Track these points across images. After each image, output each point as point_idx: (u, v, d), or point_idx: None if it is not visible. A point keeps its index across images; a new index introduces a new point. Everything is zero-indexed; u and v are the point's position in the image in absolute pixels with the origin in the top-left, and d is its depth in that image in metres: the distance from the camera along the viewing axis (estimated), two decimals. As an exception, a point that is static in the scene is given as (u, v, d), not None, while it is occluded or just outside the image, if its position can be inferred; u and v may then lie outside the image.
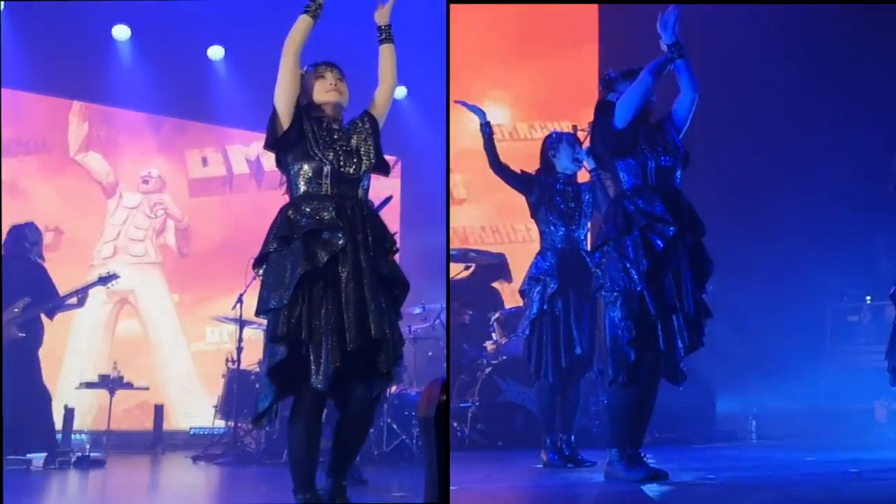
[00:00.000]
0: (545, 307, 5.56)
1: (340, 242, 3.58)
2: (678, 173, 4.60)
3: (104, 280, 7.24)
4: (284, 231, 3.61)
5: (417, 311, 7.91)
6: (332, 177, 3.70)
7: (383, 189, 11.06)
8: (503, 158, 5.80)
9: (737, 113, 8.97)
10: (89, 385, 8.02)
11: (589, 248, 5.89)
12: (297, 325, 3.51)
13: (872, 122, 8.76)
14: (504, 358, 7.14)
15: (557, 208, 5.69)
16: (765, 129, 9.22)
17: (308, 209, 3.64)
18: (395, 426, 6.78)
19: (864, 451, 6.29)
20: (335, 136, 3.78)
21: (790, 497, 4.19)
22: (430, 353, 7.97)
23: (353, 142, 3.81)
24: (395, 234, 7.06)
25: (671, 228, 4.39)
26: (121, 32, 9.05)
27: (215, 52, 9.49)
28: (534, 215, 5.80)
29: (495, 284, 8.13)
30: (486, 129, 5.83)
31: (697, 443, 7.46)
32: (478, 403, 7.01)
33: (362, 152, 3.80)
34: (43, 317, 6.95)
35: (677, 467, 5.12)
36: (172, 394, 9.21)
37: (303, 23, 3.84)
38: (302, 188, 3.72)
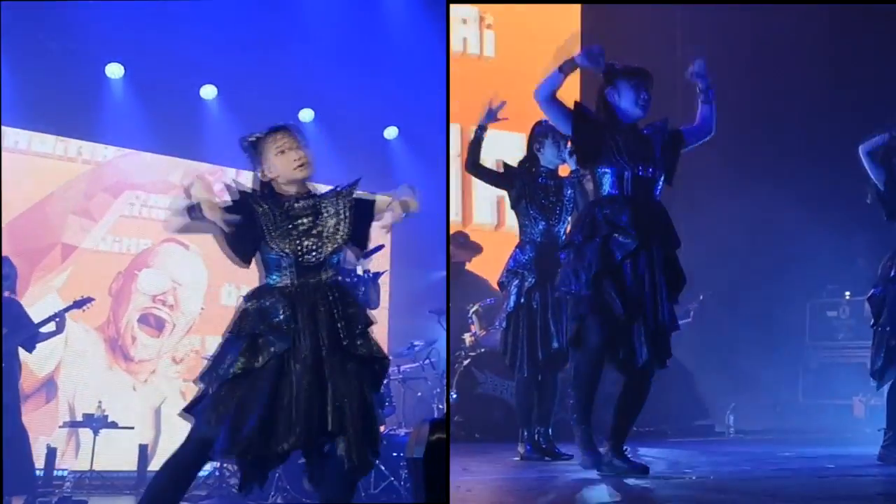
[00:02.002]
0: (522, 300, 5.52)
1: (272, 351, 3.43)
2: (659, 185, 4.54)
3: (79, 303, 7.08)
4: (236, 328, 3.51)
5: (407, 350, 7.86)
6: (292, 266, 3.56)
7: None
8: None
9: (717, 109, 8.93)
10: (73, 424, 7.83)
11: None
12: (223, 415, 3.41)
13: (851, 121, 8.78)
14: (482, 350, 7.10)
15: (538, 202, 5.64)
16: (745, 127, 9.21)
17: (267, 303, 3.52)
18: (383, 467, 6.64)
19: (842, 447, 6.29)
20: (297, 220, 3.59)
21: (767, 492, 4.17)
22: (419, 394, 7.88)
23: (320, 221, 3.62)
24: (385, 272, 6.95)
25: (631, 242, 4.35)
26: (114, 71, 9.01)
27: (208, 92, 9.44)
28: (514, 207, 5.74)
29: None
30: (480, 132, 5.74)
31: (676, 437, 7.45)
32: (455, 396, 6.97)
33: (326, 235, 3.61)
34: (22, 352, 6.80)
35: (655, 461, 5.10)
36: (157, 434, 8.92)
37: (194, 227, 3.55)
38: (265, 276, 3.61)
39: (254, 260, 3.65)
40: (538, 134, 5.74)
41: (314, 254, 3.58)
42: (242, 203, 3.57)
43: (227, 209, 3.50)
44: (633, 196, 4.45)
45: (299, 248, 3.56)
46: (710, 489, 4.24)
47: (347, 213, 3.66)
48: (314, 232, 3.59)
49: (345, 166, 9.69)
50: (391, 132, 10.51)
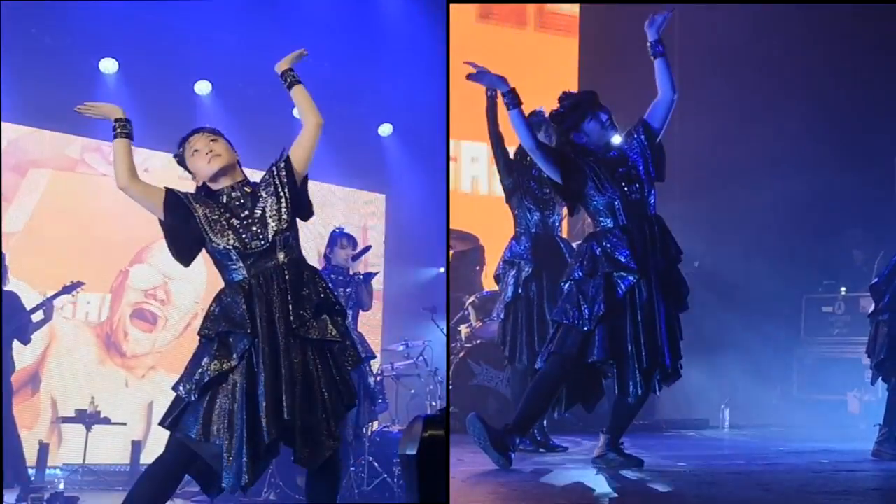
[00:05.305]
0: (520, 291, 5.52)
1: (241, 347, 3.42)
2: (651, 199, 4.56)
3: (68, 289, 6.99)
4: (205, 328, 3.50)
5: (400, 348, 7.85)
6: (242, 258, 3.53)
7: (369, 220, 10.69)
8: None
9: (714, 108, 8.93)
10: (65, 420, 7.78)
11: (563, 234, 5.87)
12: (206, 421, 3.39)
13: (849, 119, 8.81)
14: (478, 341, 7.09)
15: (533, 193, 5.63)
16: (741, 125, 9.21)
17: (228, 300, 3.51)
18: (376, 464, 6.64)
19: (837, 443, 6.30)
20: (236, 211, 3.56)
21: (761, 486, 4.18)
22: (412, 391, 7.87)
23: (259, 205, 3.57)
24: (377, 273, 6.85)
25: (630, 278, 4.39)
26: (108, 66, 8.90)
27: (202, 87, 9.39)
28: (508, 199, 5.73)
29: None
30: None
31: (671, 430, 7.46)
32: (451, 386, 6.96)
33: (268, 215, 3.56)
34: (16, 345, 6.72)
35: (651, 454, 5.11)
36: (150, 429, 8.75)
37: (120, 146, 3.60)
38: (224, 275, 3.60)
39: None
40: (534, 124, 5.71)
41: (260, 239, 3.54)
42: (180, 205, 3.57)
43: (167, 211, 3.54)
44: (628, 224, 4.47)
45: (244, 236, 3.53)
46: (705, 482, 4.25)
47: (283, 184, 3.61)
48: (256, 216, 3.56)
49: (340, 163, 9.71)
50: (386, 129, 10.43)
